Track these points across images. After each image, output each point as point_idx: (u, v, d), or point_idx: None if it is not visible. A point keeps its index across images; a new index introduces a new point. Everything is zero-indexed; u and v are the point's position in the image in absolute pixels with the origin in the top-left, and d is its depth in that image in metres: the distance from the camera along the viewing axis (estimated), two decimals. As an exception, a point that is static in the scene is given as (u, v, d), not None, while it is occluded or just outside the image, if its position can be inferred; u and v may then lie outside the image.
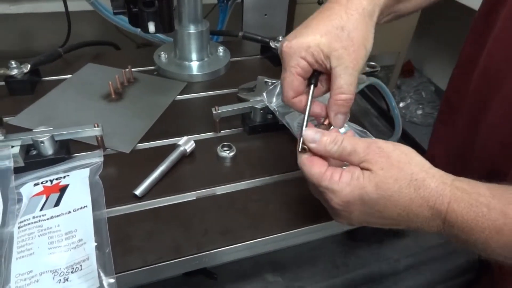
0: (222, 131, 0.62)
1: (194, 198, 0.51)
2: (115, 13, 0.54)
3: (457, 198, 0.31)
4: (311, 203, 0.50)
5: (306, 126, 0.41)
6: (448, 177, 0.33)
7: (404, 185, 0.33)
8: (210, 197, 0.51)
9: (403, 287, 0.53)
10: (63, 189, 0.46)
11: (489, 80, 0.56)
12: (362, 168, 0.35)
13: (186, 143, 0.55)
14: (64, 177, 0.48)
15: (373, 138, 0.50)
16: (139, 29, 0.90)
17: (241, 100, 0.67)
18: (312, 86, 0.43)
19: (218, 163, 0.56)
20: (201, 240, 0.45)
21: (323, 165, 0.37)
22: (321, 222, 0.48)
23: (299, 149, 0.39)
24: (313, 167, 0.37)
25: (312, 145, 0.37)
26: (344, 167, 0.37)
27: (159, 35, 0.90)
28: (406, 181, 0.33)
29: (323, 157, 0.38)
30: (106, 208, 0.47)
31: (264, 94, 0.59)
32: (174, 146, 0.55)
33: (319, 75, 0.43)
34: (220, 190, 0.52)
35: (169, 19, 0.54)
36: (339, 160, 0.38)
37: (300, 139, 0.39)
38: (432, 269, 0.54)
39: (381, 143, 0.35)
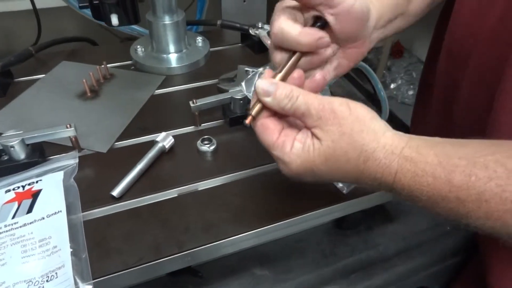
0: (202, 124, 0.60)
1: (176, 195, 0.49)
2: (80, 7, 0.51)
3: (403, 169, 0.31)
4: (295, 195, 0.48)
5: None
6: (399, 144, 0.32)
7: (354, 157, 0.32)
8: (191, 194, 0.50)
9: (394, 272, 0.52)
10: (35, 195, 0.44)
11: (454, 58, 0.54)
12: (313, 135, 0.33)
13: (164, 139, 0.53)
14: (37, 181, 0.46)
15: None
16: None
17: (222, 91, 0.65)
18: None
19: (199, 158, 0.54)
20: (182, 238, 0.44)
21: (275, 132, 0.35)
22: (306, 213, 0.46)
23: (250, 110, 0.35)
24: (264, 134, 0.35)
25: (266, 99, 0.34)
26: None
27: (137, 27, 0.87)
28: (356, 153, 0.32)
29: (278, 114, 0.35)
30: (83, 212, 0.45)
31: (243, 83, 0.57)
32: (153, 143, 0.53)
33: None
34: (202, 185, 0.51)
35: (133, 9, 0.51)
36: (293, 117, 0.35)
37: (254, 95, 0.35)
38: (421, 253, 0.53)
39: (336, 104, 0.32)
